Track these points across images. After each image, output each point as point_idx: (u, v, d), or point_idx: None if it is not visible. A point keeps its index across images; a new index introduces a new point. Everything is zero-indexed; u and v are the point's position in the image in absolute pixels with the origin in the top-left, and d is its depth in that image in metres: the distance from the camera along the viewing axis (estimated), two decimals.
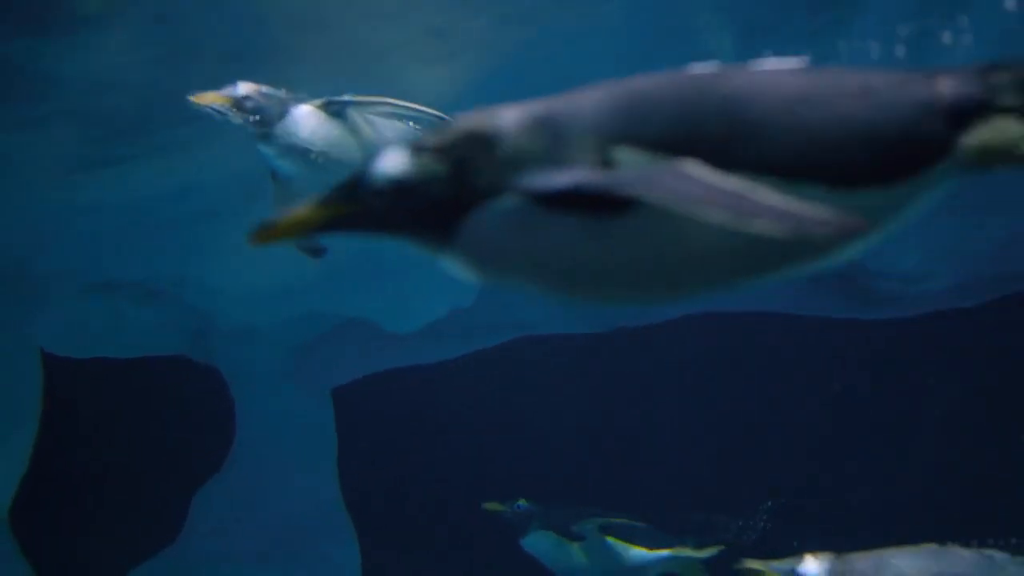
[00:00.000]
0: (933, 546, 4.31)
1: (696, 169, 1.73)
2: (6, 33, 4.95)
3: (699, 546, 7.10)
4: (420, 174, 1.91)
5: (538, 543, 7.46)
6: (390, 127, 4.62)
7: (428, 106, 4.62)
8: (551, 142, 1.87)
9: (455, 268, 1.99)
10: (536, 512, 7.03)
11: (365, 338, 8.48)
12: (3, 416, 5.75)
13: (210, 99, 4.44)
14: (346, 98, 4.53)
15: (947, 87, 1.94)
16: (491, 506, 6.94)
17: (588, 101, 1.94)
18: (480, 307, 8.00)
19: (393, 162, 1.91)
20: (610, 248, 1.81)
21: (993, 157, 1.94)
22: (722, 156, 1.78)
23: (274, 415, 8.97)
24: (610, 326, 9.14)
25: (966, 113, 1.92)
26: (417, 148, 1.92)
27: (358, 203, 1.94)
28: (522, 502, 6.96)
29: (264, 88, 4.53)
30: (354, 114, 4.57)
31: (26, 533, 6.51)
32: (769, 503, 8.71)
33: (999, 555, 4.21)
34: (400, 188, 1.91)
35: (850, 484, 9.45)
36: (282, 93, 4.56)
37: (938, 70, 1.98)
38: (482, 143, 1.89)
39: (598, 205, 1.77)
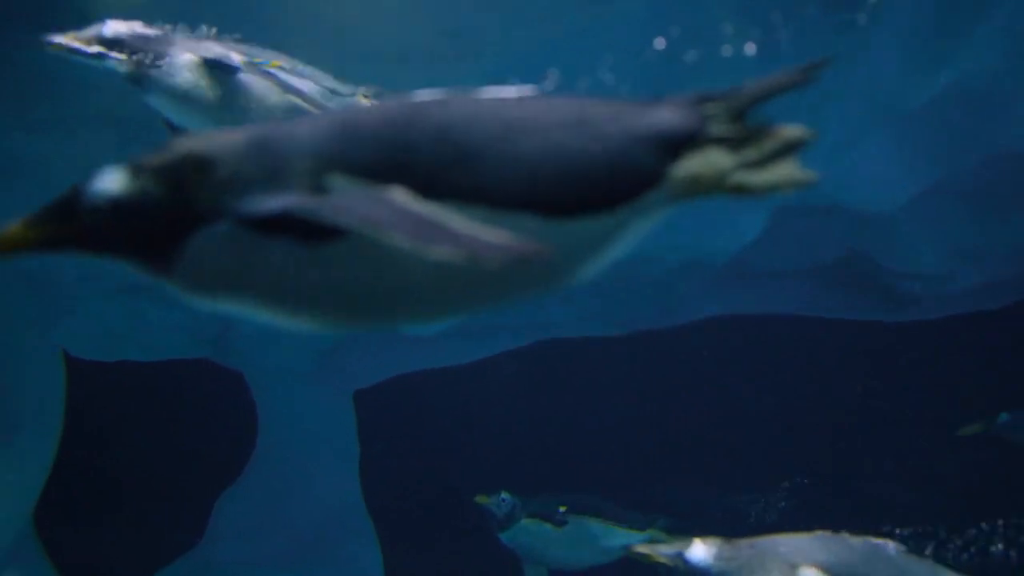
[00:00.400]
0: (823, 533, 4.30)
1: (397, 196, 1.73)
2: (38, 38, 4.99)
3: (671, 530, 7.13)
4: (137, 194, 1.87)
5: (518, 535, 7.46)
6: (276, 96, 4.13)
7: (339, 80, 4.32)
8: (268, 167, 1.85)
9: (177, 294, 1.95)
10: (519, 504, 7.02)
11: (386, 340, 8.50)
12: (28, 419, 5.79)
13: (69, 39, 3.94)
14: (236, 58, 4.06)
15: (661, 117, 1.96)
16: (481, 499, 6.84)
17: (306, 127, 1.93)
18: (499, 309, 8.00)
19: (110, 181, 1.87)
20: (322, 274, 1.82)
21: (703, 187, 1.98)
22: (433, 184, 1.80)
23: (296, 418, 9.00)
24: (632, 328, 9.13)
25: (677, 143, 1.96)
26: (135, 167, 1.88)
27: (73, 223, 1.89)
28: (505, 494, 6.88)
29: (140, 27, 4.05)
30: (245, 76, 4.09)
31: (50, 536, 6.56)
32: (786, 484, 8.70)
33: (892, 545, 4.18)
34: (116, 208, 1.87)
35: (871, 482, 9.40)
36: (167, 32, 4.07)
37: (657, 100, 1.99)
38: (199, 166, 1.86)
39: (308, 231, 1.77)
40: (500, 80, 6.67)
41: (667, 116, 1.97)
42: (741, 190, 1.97)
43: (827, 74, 7.10)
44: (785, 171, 2.01)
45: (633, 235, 2.03)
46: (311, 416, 9.04)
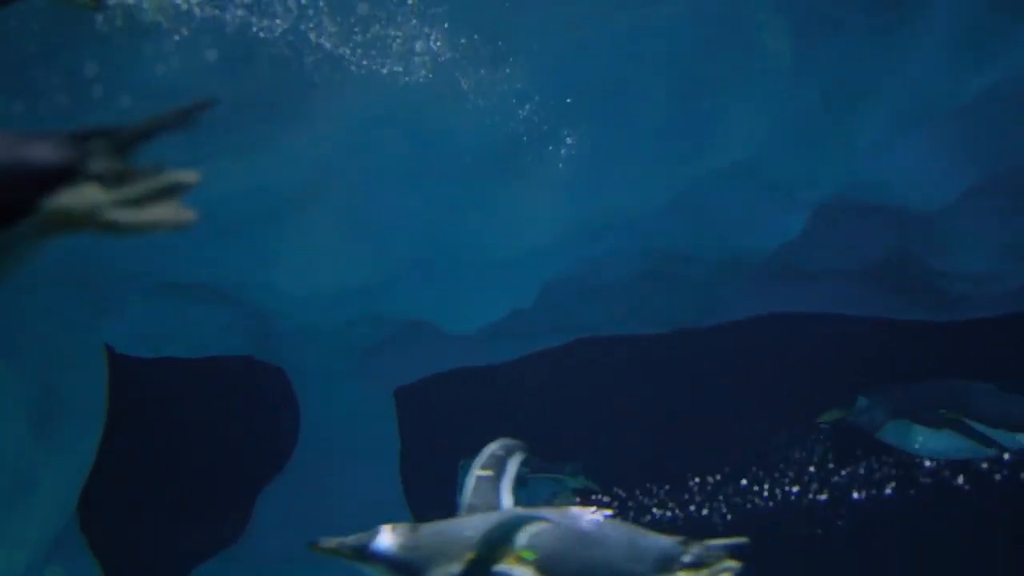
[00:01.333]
0: (514, 510, 4.11)
1: None
2: (72, 44, 5.06)
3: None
4: None
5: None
6: None
7: None
8: None
9: None
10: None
11: (426, 339, 8.52)
12: (71, 415, 5.88)
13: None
14: None
15: (35, 151, 1.95)
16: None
17: None
18: (540, 308, 8.00)
19: None
20: None
21: (75, 222, 1.96)
22: None
23: (338, 415, 9.06)
24: (672, 327, 9.08)
25: (50, 178, 1.94)
26: None
27: None
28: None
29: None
30: None
31: (93, 530, 6.67)
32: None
33: (590, 514, 3.88)
34: None
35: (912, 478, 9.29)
36: None
37: (36, 134, 2.00)
38: None
39: None
40: (541, 82, 6.61)
41: (43, 150, 1.98)
42: (112, 227, 1.99)
43: (870, 71, 7.01)
44: (162, 212, 2.00)
45: (11, 266, 2.08)
46: (353, 413, 9.10)
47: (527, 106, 6.51)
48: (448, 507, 9.45)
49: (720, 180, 7.12)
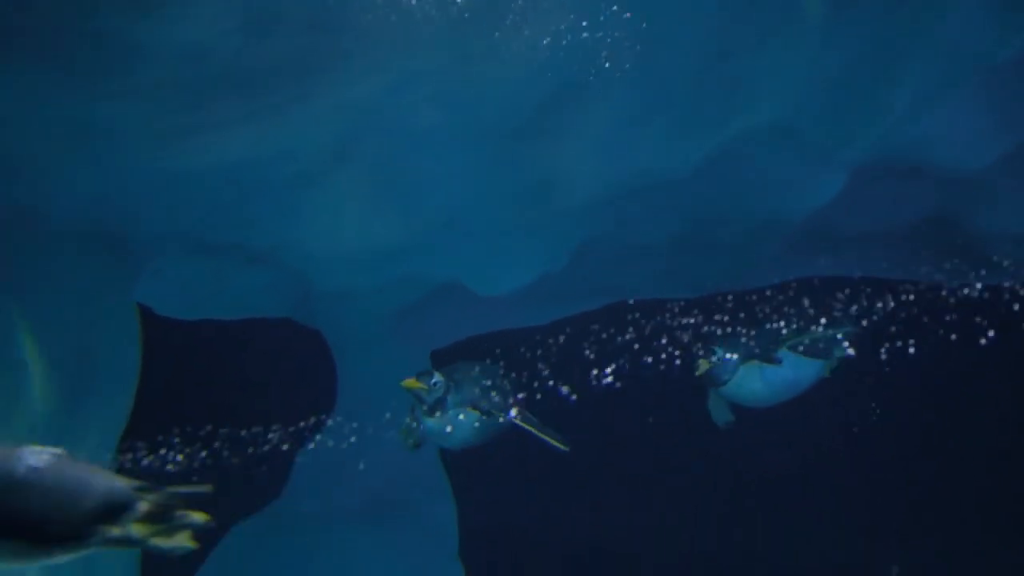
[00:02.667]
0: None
1: None
2: (99, 9, 5.10)
3: None
4: None
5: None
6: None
7: None
8: None
9: None
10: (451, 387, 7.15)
11: (461, 301, 8.54)
12: (104, 374, 5.99)
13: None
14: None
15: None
16: (409, 383, 7.12)
17: None
18: (572, 271, 7.99)
19: None
20: None
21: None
22: None
23: (375, 377, 9.13)
24: (708, 291, 9.01)
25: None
26: None
27: None
28: (438, 376, 7.12)
29: None
30: None
31: None
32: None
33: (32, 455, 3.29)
34: None
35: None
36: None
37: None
38: None
39: None
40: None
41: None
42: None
43: (907, 29, 6.89)
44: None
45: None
46: (389, 375, 9.15)
47: (558, 66, 6.47)
48: (487, 470, 9.54)
49: (754, 141, 7.03)
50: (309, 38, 5.70)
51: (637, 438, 9.30)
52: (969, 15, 6.52)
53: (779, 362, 7.44)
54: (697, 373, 7.41)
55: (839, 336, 7.75)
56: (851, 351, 7.73)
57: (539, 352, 9.70)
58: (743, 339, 7.55)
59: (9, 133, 5.60)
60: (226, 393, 9.24)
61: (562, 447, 7.33)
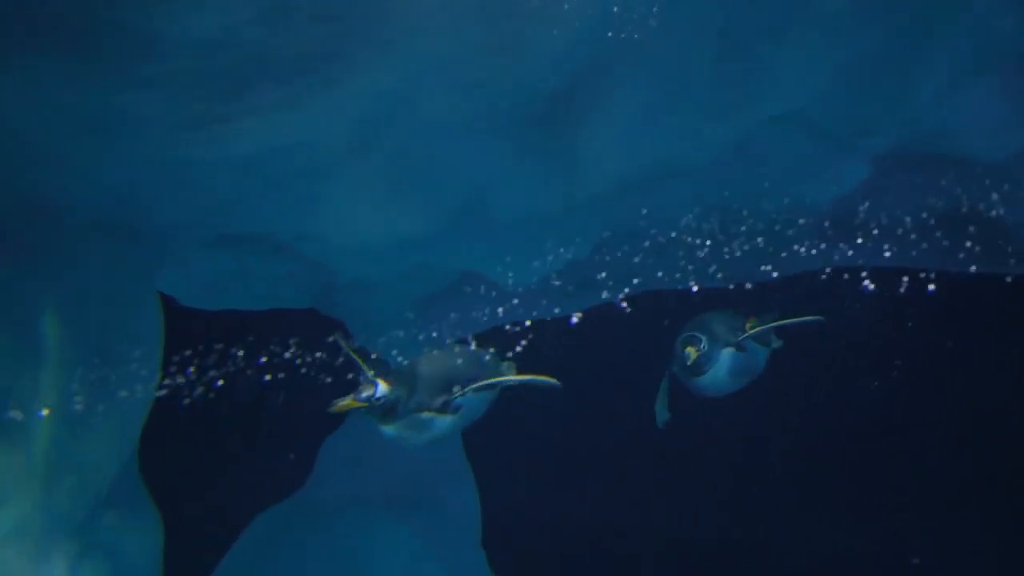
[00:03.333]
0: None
1: None
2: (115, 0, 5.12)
3: None
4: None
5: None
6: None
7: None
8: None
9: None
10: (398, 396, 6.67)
11: (484, 291, 8.54)
12: (126, 362, 6.06)
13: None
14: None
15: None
16: (341, 406, 6.59)
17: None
18: (595, 260, 7.97)
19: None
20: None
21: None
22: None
23: (399, 366, 9.16)
24: (733, 281, 8.96)
25: None
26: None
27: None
28: (383, 389, 6.63)
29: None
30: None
31: (153, 477, 6.86)
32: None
33: None
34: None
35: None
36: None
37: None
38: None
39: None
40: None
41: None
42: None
43: (932, 13, 6.84)
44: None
45: None
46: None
47: (579, 54, 6.44)
48: (511, 459, 9.55)
49: (776, 129, 6.98)
50: (326, 27, 5.70)
51: (665, 428, 9.27)
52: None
53: (744, 350, 7.53)
54: (689, 363, 7.42)
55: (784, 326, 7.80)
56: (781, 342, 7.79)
57: (564, 342, 9.71)
58: (716, 327, 7.62)
59: (29, 124, 5.66)
60: (252, 382, 9.31)
61: (553, 381, 6.97)
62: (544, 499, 9.69)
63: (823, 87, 6.71)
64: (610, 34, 6.31)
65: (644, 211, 7.74)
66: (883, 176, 7.34)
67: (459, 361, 7.04)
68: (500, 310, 9.15)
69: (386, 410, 6.50)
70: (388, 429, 6.60)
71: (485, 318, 9.26)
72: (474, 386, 6.80)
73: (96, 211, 6.15)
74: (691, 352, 7.40)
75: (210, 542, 8.41)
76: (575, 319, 9.35)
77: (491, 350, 7.52)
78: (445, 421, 6.75)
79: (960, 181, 7.66)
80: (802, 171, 7.28)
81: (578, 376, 9.88)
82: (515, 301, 8.85)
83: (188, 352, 7.34)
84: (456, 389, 6.75)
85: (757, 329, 7.59)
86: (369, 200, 6.90)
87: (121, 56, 5.30)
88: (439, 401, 6.59)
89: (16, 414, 5.52)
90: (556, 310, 9.27)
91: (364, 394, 6.35)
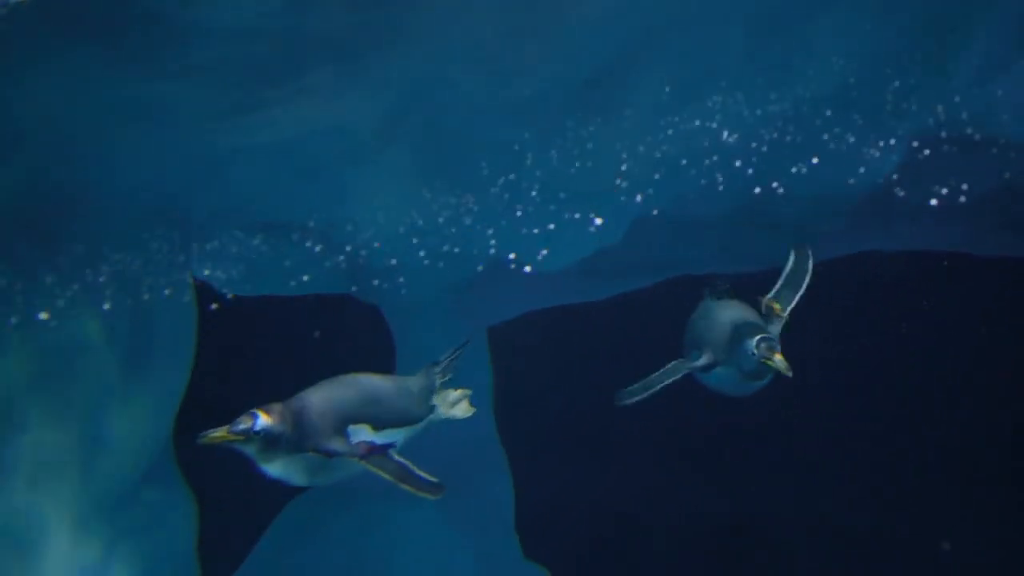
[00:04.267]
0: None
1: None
2: None
3: None
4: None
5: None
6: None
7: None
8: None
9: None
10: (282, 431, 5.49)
11: (515, 277, 8.53)
12: (161, 347, 6.13)
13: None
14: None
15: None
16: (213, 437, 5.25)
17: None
18: (630, 246, 7.93)
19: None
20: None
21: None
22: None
23: (432, 353, 9.17)
24: (767, 266, 8.90)
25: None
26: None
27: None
28: (263, 421, 5.40)
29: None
30: None
31: (188, 458, 6.94)
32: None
33: None
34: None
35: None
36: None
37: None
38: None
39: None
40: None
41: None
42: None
43: None
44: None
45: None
46: (446, 351, 9.19)
47: (609, 38, 6.41)
48: (544, 444, 9.55)
49: (810, 113, 6.91)
50: (360, 15, 5.72)
51: (696, 414, 9.23)
52: None
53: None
54: (773, 365, 6.25)
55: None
56: None
57: (596, 328, 9.70)
58: (755, 322, 6.80)
59: (69, 113, 5.72)
60: (287, 367, 9.37)
61: (430, 495, 5.80)
62: (577, 483, 9.69)
63: (861, 68, 6.62)
64: (642, 17, 6.27)
65: (675, 196, 7.69)
66: (922, 160, 7.24)
67: (362, 394, 5.79)
68: (533, 296, 9.15)
69: (267, 445, 5.36)
70: (270, 468, 5.49)
71: (519, 304, 9.27)
72: (357, 451, 5.62)
73: (133, 200, 6.21)
74: (776, 356, 6.30)
75: (244, 526, 8.47)
76: (607, 304, 9.34)
77: (434, 372, 6.64)
78: (353, 464, 5.68)
79: (1002, 163, 7.54)
80: (838, 155, 7.20)
81: (611, 361, 9.87)
82: (548, 287, 8.85)
83: (222, 337, 7.40)
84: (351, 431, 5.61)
85: (786, 313, 7.05)
86: (401, 186, 6.92)
87: (157, 46, 5.35)
88: (332, 444, 5.43)
89: None
90: (588, 295, 9.27)
91: (241, 426, 5.22)
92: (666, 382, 6.61)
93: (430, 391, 6.29)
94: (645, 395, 6.63)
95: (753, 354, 6.32)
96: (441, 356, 5.87)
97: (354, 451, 5.59)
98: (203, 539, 6.84)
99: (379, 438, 5.85)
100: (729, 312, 6.83)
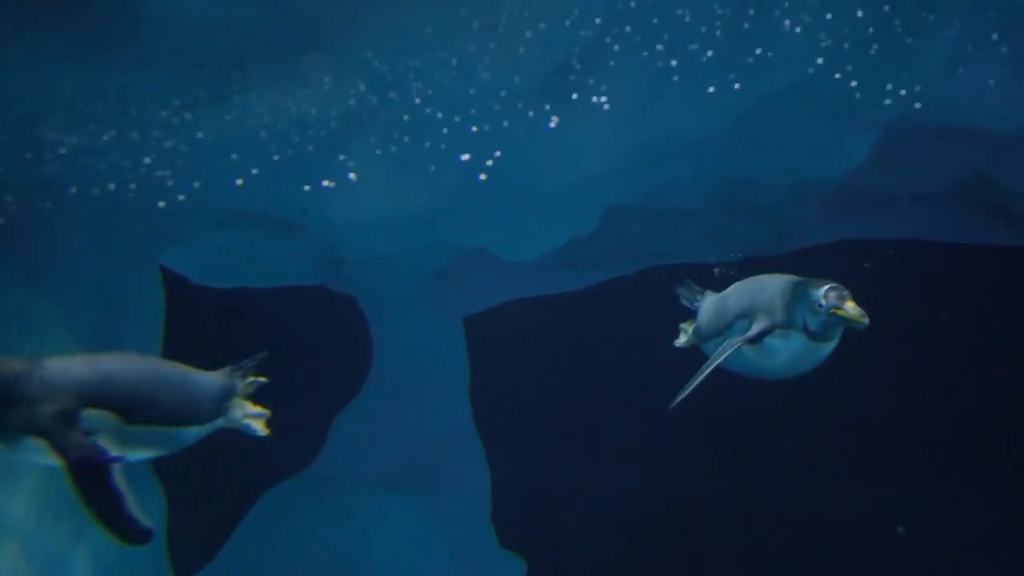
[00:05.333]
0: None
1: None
2: None
3: None
4: None
5: None
6: None
7: None
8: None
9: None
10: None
11: (490, 267, 8.52)
12: (128, 338, 6.10)
13: None
14: None
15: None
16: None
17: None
18: (604, 236, 7.91)
19: None
20: None
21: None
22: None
23: (409, 343, 9.16)
24: (744, 255, 8.89)
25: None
26: None
27: None
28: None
29: None
30: None
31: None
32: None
33: None
34: None
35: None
36: None
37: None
38: None
39: None
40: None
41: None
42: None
43: None
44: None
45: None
46: (423, 341, 9.19)
47: (579, 28, 6.39)
48: (521, 434, 9.55)
49: (783, 101, 6.89)
50: (320, 6, 5.69)
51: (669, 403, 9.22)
52: None
53: None
54: (850, 319, 4.99)
55: None
56: None
57: (573, 317, 9.69)
58: None
59: (28, 108, 5.69)
60: (263, 359, 9.34)
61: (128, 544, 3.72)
62: (554, 473, 9.69)
63: (831, 56, 6.60)
64: (618, 6, 6.24)
65: (650, 185, 7.68)
66: (894, 147, 7.24)
67: (124, 375, 4.02)
68: (509, 285, 9.14)
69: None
70: None
71: (494, 293, 9.25)
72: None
73: (100, 191, 6.18)
74: (848, 304, 5.09)
75: (216, 520, 8.46)
76: (583, 293, 9.33)
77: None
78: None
79: (971, 152, 7.53)
80: (811, 144, 7.20)
81: (588, 351, 9.88)
82: (524, 276, 8.84)
83: (192, 328, 7.38)
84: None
85: None
86: (372, 176, 6.89)
87: (114, 38, 5.31)
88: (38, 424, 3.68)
89: None
90: (565, 284, 9.25)
91: None
92: (718, 362, 5.46)
93: (228, 394, 4.56)
94: (699, 382, 5.51)
95: (821, 305, 5.09)
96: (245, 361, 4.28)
97: (65, 446, 3.59)
98: (172, 532, 6.82)
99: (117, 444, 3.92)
100: (775, 279, 5.69)
